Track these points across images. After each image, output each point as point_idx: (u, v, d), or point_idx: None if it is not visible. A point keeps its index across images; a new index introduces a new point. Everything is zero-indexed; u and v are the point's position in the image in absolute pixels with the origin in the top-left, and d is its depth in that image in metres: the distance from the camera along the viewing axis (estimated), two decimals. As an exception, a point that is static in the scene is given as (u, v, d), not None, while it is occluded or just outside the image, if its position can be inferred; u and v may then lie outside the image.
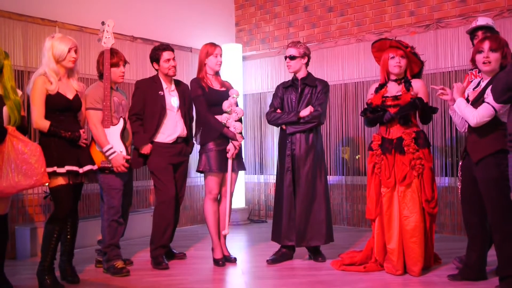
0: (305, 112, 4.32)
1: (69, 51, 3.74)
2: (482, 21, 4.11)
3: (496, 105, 3.27)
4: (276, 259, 4.40)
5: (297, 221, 4.31)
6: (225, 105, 4.31)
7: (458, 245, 4.78)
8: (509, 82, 3.05)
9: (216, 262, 4.33)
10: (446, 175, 5.66)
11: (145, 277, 4.01)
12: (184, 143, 4.50)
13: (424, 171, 3.88)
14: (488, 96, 3.32)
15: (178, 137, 4.41)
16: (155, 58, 4.45)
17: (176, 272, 4.17)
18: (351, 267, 4.08)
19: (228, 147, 4.29)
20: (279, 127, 4.49)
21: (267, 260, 4.40)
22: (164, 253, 4.37)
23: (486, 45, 3.44)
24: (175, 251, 4.68)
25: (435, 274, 3.90)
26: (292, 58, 4.41)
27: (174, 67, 4.44)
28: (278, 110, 4.46)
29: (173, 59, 4.44)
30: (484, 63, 3.46)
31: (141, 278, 3.98)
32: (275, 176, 4.63)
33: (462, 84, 3.70)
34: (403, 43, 4.04)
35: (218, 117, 4.30)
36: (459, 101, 3.52)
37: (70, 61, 3.77)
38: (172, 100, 4.43)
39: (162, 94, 4.38)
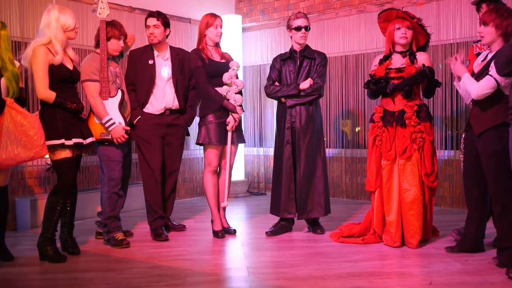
0: (305, 84, 4.29)
1: (75, 22, 3.76)
2: None
3: (499, 78, 3.25)
4: (275, 231, 4.43)
5: (298, 193, 4.33)
6: (226, 77, 4.28)
7: (456, 217, 4.81)
8: (512, 55, 3.02)
9: (216, 234, 4.36)
10: (446, 148, 5.65)
11: (145, 248, 4.04)
12: (178, 114, 4.45)
13: (424, 145, 3.87)
14: (492, 69, 3.28)
15: (166, 109, 4.37)
16: (145, 25, 4.41)
17: (175, 243, 4.21)
18: (350, 239, 4.11)
19: (228, 120, 4.27)
20: (278, 100, 4.46)
21: (266, 232, 4.43)
22: (163, 224, 4.40)
23: (481, 18, 3.44)
24: (174, 223, 4.71)
25: (433, 246, 3.93)
26: (307, 29, 4.37)
27: (152, 34, 4.33)
28: (276, 83, 4.42)
29: (154, 26, 4.33)
30: (481, 37, 3.46)
31: (141, 249, 4.01)
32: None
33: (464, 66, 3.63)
34: (410, 14, 3.99)
35: (218, 89, 4.26)
36: (464, 76, 3.49)
37: (76, 32, 3.80)
38: (163, 69, 4.37)
39: (152, 63, 4.34)
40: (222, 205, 4.41)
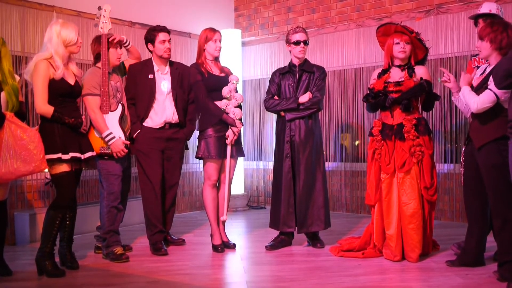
0: (304, 98, 4.30)
1: (78, 37, 3.77)
2: (484, 8, 4.09)
3: (498, 91, 3.26)
4: (275, 245, 4.41)
5: (298, 207, 4.32)
6: (225, 91, 4.29)
7: (456, 231, 4.80)
8: (510, 68, 3.03)
9: (215, 248, 4.34)
10: (445, 162, 5.65)
11: (144, 263, 4.02)
12: (177, 128, 4.46)
13: (423, 158, 3.87)
14: (491, 83, 3.30)
15: (166, 123, 4.38)
16: (150, 39, 4.42)
17: (175, 258, 4.19)
18: (350, 253, 4.09)
19: (227, 133, 4.28)
20: (277, 114, 4.47)
21: (266, 246, 4.41)
22: (162, 238, 4.38)
23: (477, 33, 3.49)
24: (174, 237, 4.69)
25: (433, 260, 3.92)
26: (306, 43, 4.40)
27: (169, 49, 4.41)
28: (276, 97, 4.44)
29: (169, 41, 4.41)
30: (478, 51, 3.52)
31: (140, 264, 3.99)
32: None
33: (470, 75, 3.67)
34: (409, 28, 4.02)
35: (217, 103, 4.28)
36: (464, 89, 3.51)
37: (78, 47, 3.81)
38: (163, 83, 4.38)
39: (152, 77, 4.36)
40: (221, 219, 4.40)
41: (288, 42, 4.44)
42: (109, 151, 4.00)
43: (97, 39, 4.12)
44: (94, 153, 3.91)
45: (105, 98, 4.01)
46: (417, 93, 3.89)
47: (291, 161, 4.35)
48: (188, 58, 6.51)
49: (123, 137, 4.06)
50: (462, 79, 3.57)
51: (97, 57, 4.12)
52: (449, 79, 3.68)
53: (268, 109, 4.48)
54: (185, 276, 3.64)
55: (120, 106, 4.11)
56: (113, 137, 3.98)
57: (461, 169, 3.77)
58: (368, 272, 3.66)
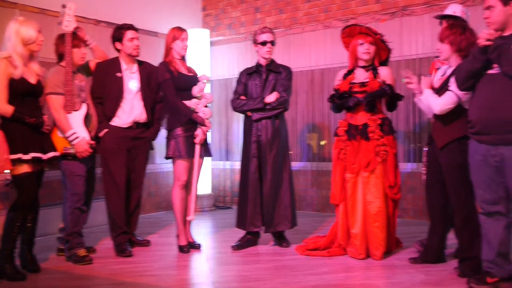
0: (271, 98, 4.32)
1: (37, 34, 3.67)
2: (449, 9, 4.17)
3: (459, 93, 3.33)
4: (241, 245, 4.41)
5: (265, 207, 4.33)
6: (195, 90, 4.28)
7: (419, 229, 4.88)
8: (470, 70, 3.11)
9: (181, 248, 4.31)
10: (409, 161, 5.75)
11: (108, 265, 3.97)
12: (144, 127, 4.42)
13: (388, 158, 3.93)
14: (453, 84, 3.37)
15: (134, 122, 4.33)
16: (117, 37, 4.35)
17: (140, 259, 4.14)
18: (315, 252, 4.12)
19: (196, 133, 4.26)
20: (244, 114, 4.47)
21: (232, 246, 4.41)
22: (127, 240, 4.33)
23: (438, 35, 3.57)
24: (139, 238, 4.64)
25: (396, 257, 3.98)
26: (273, 44, 4.40)
27: (138, 47, 4.36)
28: (243, 97, 4.44)
29: (137, 39, 4.36)
30: (439, 53, 3.60)
31: (105, 266, 3.93)
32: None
33: (430, 78, 3.75)
34: (373, 30, 4.07)
35: (186, 102, 4.25)
36: (426, 92, 3.58)
37: (39, 45, 3.71)
38: (131, 82, 4.34)
39: (120, 75, 4.30)
40: (188, 219, 4.37)
41: (255, 42, 4.44)
42: (73, 151, 3.93)
43: (61, 37, 4.04)
44: (57, 153, 3.84)
45: (69, 97, 3.93)
46: (379, 96, 3.95)
47: (258, 161, 4.36)
48: (155, 57, 6.40)
49: (87, 137, 3.99)
50: (423, 82, 3.64)
51: (60, 56, 4.04)
52: (412, 81, 3.74)
53: (235, 109, 4.48)
54: (151, 278, 3.61)
55: (84, 105, 4.04)
56: (77, 137, 3.91)
57: (423, 168, 3.85)
58: (333, 270, 3.69)
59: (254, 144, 4.36)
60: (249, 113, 4.39)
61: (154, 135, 4.53)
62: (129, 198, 4.42)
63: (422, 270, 3.62)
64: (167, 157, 4.33)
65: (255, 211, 4.35)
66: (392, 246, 4.07)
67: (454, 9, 4.14)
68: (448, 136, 3.48)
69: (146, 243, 4.61)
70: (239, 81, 4.51)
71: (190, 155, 4.27)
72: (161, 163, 6.60)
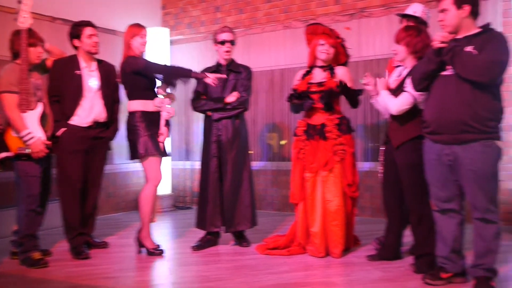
0: (231, 98, 4.31)
1: None
2: (410, 9, 4.20)
3: (415, 94, 3.41)
4: (201, 245, 4.39)
5: (226, 207, 4.33)
6: (163, 87, 4.25)
7: (377, 227, 4.96)
8: (425, 71, 3.19)
9: (153, 252, 4.17)
10: (366, 160, 5.85)
11: (65, 268, 3.87)
12: (103, 127, 4.33)
13: (346, 157, 3.99)
14: (408, 85, 3.45)
15: (94, 121, 4.25)
16: (75, 34, 4.25)
17: (98, 261, 4.06)
18: (275, 251, 4.14)
19: (161, 131, 4.21)
20: (204, 114, 4.45)
21: (192, 247, 4.38)
22: (83, 242, 4.24)
23: (394, 37, 3.65)
24: (96, 240, 4.55)
25: (354, 255, 4.05)
26: (233, 43, 4.40)
27: (97, 43, 4.28)
28: (203, 96, 4.42)
29: (96, 35, 4.28)
30: (394, 54, 3.67)
31: (61, 269, 3.84)
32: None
33: (385, 78, 3.82)
34: (336, 33, 4.11)
35: (149, 101, 4.18)
36: (382, 93, 3.65)
37: None
38: (91, 80, 4.25)
39: (79, 73, 4.21)
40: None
41: (215, 41, 4.43)
42: (28, 152, 3.82)
43: (16, 34, 3.92)
44: (10, 154, 3.72)
45: (24, 96, 3.82)
46: (329, 97, 3.98)
47: (218, 161, 4.35)
48: (113, 56, 6.31)
49: (43, 137, 3.89)
50: (379, 83, 3.71)
51: (15, 53, 3.93)
52: (370, 83, 3.79)
53: (195, 109, 4.45)
54: (109, 280, 3.55)
55: (40, 104, 3.93)
56: (33, 137, 3.81)
57: (379, 167, 3.92)
58: (292, 269, 3.72)
59: (214, 144, 4.35)
60: (209, 113, 4.37)
61: (113, 135, 4.45)
62: (86, 199, 4.33)
63: (379, 267, 3.69)
64: (137, 157, 4.16)
65: (215, 211, 4.34)
66: (350, 244, 4.13)
67: (414, 9, 4.16)
68: (404, 135, 3.56)
69: (104, 245, 4.52)
70: (199, 80, 4.49)
71: (160, 153, 4.21)
72: (120, 163, 6.50)
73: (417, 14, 4.10)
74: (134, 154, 4.18)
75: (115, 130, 4.46)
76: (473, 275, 3.10)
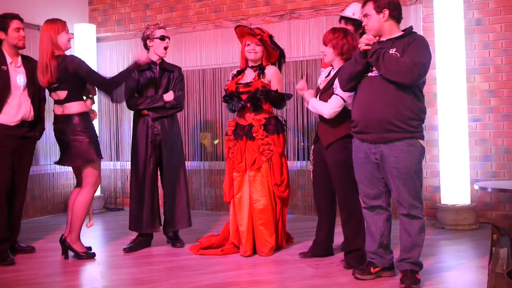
0: (169, 96, 4.26)
1: None
2: (348, 10, 4.27)
3: (344, 95, 3.52)
4: (133, 247, 4.31)
5: (166, 207, 4.32)
6: (95, 89, 4.13)
7: (309, 224, 5.09)
8: (351, 72, 3.30)
9: (88, 253, 4.07)
10: (298, 159, 5.97)
11: (-13, 274, 3.69)
12: (30, 126, 4.16)
13: (273, 157, 4.04)
14: (337, 88, 3.55)
15: (22, 120, 4.06)
16: (1, 26, 4.04)
17: (23, 267, 3.89)
18: (209, 251, 4.14)
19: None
20: (137, 113, 4.36)
21: (124, 249, 4.29)
22: (8, 247, 4.04)
23: (322, 39, 3.76)
24: (22, 244, 4.35)
25: (287, 253, 4.11)
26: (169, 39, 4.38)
27: (24, 37, 4.10)
28: (136, 95, 4.33)
29: (23, 29, 4.10)
30: (323, 56, 3.79)
31: (-17, 276, 3.65)
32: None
33: (312, 91, 3.87)
34: (256, 30, 4.11)
35: (84, 103, 4.04)
36: (311, 101, 3.74)
37: None
38: (18, 77, 4.07)
39: (6, 69, 4.02)
40: (89, 225, 4.21)
41: (150, 37, 4.32)
42: None
43: None
44: None
45: None
46: (251, 101, 4.00)
47: (155, 162, 4.29)
48: (37, 52, 6.07)
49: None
50: (307, 94, 3.80)
51: None
52: (303, 91, 3.84)
53: (131, 107, 4.33)
54: (36, 286, 3.41)
55: None
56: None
57: (310, 166, 4.01)
58: (227, 268, 3.73)
59: (150, 144, 4.28)
60: (145, 112, 4.29)
61: (40, 135, 4.29)
62: (13, 202, 4.13)
63: (311, 263, 3.77)
64: (85, 161, 3.95)
65: (152, 212, 4.28)
66: (283, 242, 4.19)
67: (353, 9, 4.20)
68: (333, 135, 3.67)
69: (30, 250, 4.33)
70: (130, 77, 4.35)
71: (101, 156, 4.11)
72: (45, 165, 6.25)
73: (355, 16, 4.15)
74: (81, 158, 3.95)
75: (42, 129, 4.30)
76: (400, 269, 3.24)
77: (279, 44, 4.26)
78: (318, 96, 3.78)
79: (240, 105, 4.02)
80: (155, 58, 4.34)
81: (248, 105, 4.02)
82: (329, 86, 3.71)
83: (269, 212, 4.00)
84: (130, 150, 4.44)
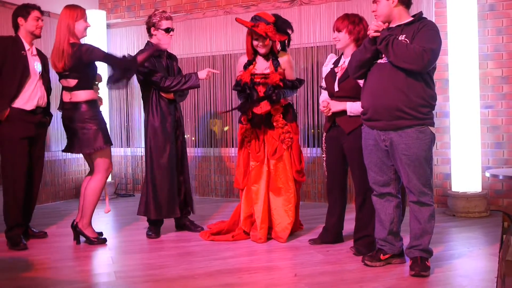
0: (203, 74, 4.31)
1: None
2: None
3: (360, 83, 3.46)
4: (157, 232, 4.36)
5: (186, 192, 4.45)
6: (100, 76, 4.15)
7: (319, 211, 5.09)
8: (361, 59, 3.26)
9: (101, 239, 4.12)
10: (308, 146, 5.97)
11: (1, 259, 3.73)
12: (43, 113, 4.19)
13: (293, 144, 4.05)
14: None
15: (37, 106, 4.08)
16: (23, 14, 4.06)
17: (36, 252, 3.94)
18: (219, 236, 4.16)
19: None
20: (157, 97, 4.28)
21: (149, 235, 4.32)
22: (21, 232, 4.09)
23: (335, 25, 3.71)
24: (34, 230, 4.41)
25: (297, 239, 4.13)
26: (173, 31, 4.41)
27: (41, 28, 4.14)
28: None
29: (42, 20, 4.15)
30: (336, 42, 3.74)
31: (-3, 260, 3.71)
32: (143, 148, 4.51)
33: (333, 101, 3.71)
34: (259, 29, 3.92)
35: (93, 91, 4.04)
36: (348, 107, 3.61)
37: None
38: (36, 64, 4.10)
39: (25, 54, 4.04)
40: (107, 211, 4.30)
41: (155, 27, 4.31)
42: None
43: None
44: None
45: None
46: (266, 99, 3.94)
47: (175, 146, 4.35)
48: (46, 39, 6.09)
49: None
50: (335, 107, 3.66)
51: None
52: (327, 107, 3.72)
53: (168, 88, 4.21)
54: (48, 271, 3.45)
55: None
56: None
57: (323, 155, 3.96)
58: (237, 254, 3.76)
59: (173, 130, 4.32)
60: (171, 96, 4.28)
61: (50, 122, 4.33)
62: (30, 189, 4.17)
63: (321, 250, 3.79)
64: (94, 149, 3.96)
65: (173, 197, 4.30)
66: (296, 228, 4.21)
67: None
68: (355, 122, 3.58)
69: (42, 235, 4.39)
70: (154, 64, 4.25)
71: (111, 142, 4.16)
72: (56, 151, 6.30)
73: None
74: (89, 146, 3.96)
75: (51, 116, 4.33)
76: (410, 256, 3.24)
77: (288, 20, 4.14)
78: (336, 84, 3.70)
79: (258, 103, 3.94)
80: (163, 46, 4.33)
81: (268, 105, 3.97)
82: (347, 76, 3.64)
83: (293, 199, 4.03)
84: (149, 135, 4.30)
